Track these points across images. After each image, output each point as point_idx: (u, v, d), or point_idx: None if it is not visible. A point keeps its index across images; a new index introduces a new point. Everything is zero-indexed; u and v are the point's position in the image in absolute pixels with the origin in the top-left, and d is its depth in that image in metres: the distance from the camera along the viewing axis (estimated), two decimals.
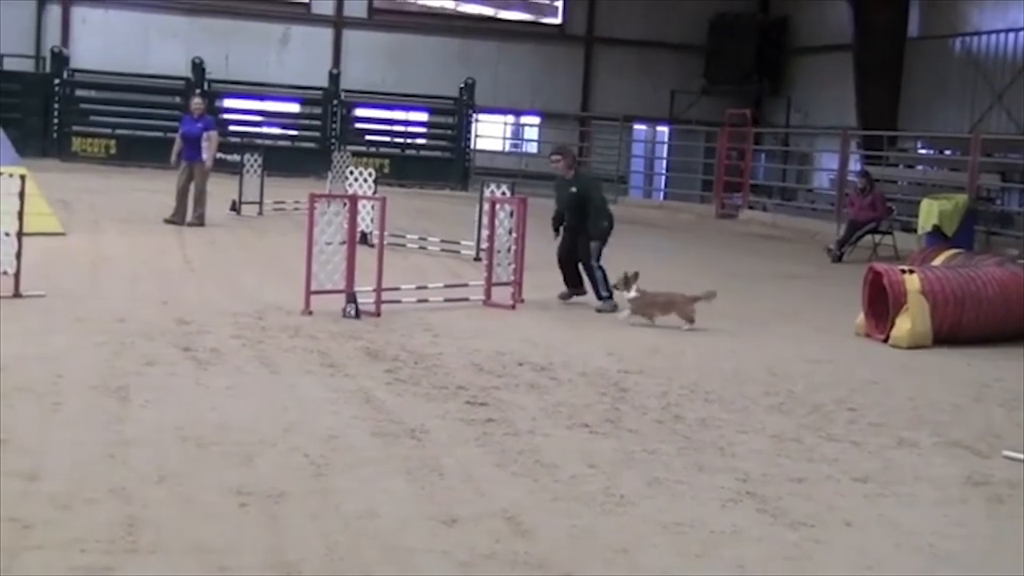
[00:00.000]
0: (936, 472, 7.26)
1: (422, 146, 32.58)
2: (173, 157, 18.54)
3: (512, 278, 12.95)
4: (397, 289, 12.25)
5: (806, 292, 16.03)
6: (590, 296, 13.04)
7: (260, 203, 20.45)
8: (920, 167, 27.23)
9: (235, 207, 20.16)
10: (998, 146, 24.45)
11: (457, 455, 6.87)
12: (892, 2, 27.68)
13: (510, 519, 5.82)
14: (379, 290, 11.58)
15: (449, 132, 32.12)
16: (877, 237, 20.32)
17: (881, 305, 12.01)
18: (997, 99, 26.15)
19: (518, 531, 5.68)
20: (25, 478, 5.93)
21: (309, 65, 32.20)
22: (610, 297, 12.70)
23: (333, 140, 30.52)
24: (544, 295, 13.24)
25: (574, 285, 13.29)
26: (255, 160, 20.62)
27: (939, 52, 27.95)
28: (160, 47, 31.92)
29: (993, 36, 26.69)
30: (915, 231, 20.07)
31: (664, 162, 35.31)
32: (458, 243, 16.91)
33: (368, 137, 31.88)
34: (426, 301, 12.41)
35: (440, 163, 31.48)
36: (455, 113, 31.75)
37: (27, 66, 30.84)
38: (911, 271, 12.05)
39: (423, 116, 32.89)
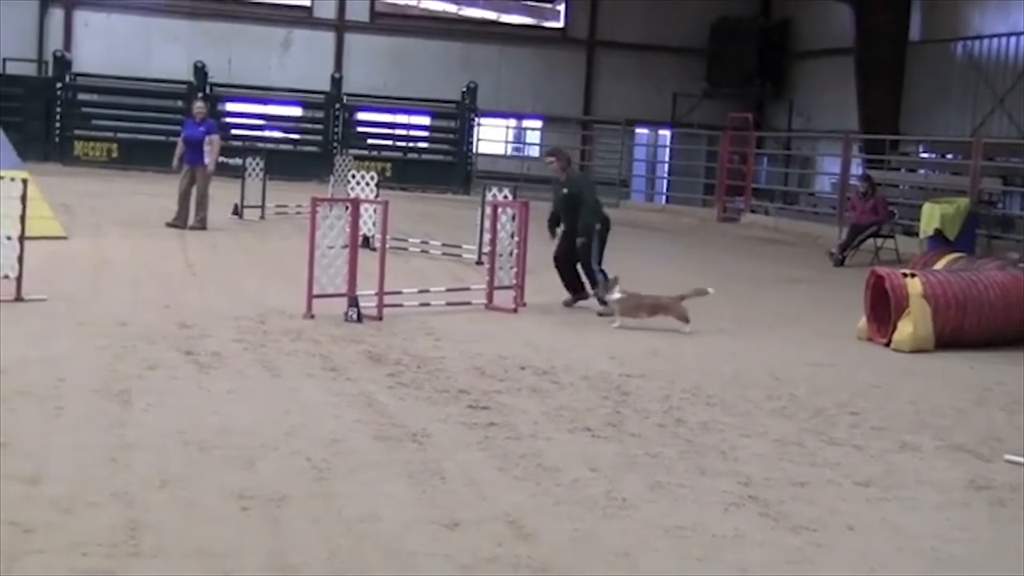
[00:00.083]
0: (938, 476, 7.25)
1: (424, 150, 32.58)
2: (175, 161, 18.57)
3: (514, 282, 12.95)
4: (399, 293, 12.25)
5: (808, 296, 16.03)
6: (593, 300, 13.03)
7: (262, 207, 20.46)
8: (922, 171, 27.22)
9: (237, 211, 20.17)
10: (1000, 150, 24.44)
11: (459, 459, 6.87)
12: (894, 5, 27.68)
13: (512, 523, 5.81)
14: (381, 294, 11.58)
15: (451, 136, 32.13)
16: (879, 241, 20.31)
17: (883, 309, 12.01)
18: (999, 103, 26.15)
19: (520, 535, 5.67)
20: (27, 482, 5.92)
21: (311, 69, 32.23)
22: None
23: (335, 144, 30.52)
24: (546, 299, 13.24)
25: (574, 289, 13.29)
26: (257, 164, 20.64)
27: (941, 56, 27.96)
28: (162, 51, 31.95)
29: (995, 40, 26.70)
30: (917, 235, 20.06)
31: (666, 166, 35.35)
32: (460, 247, 16.92)
33: (370, 141, 31.89)
34: (428, 305, 12.41)
35: (442, 167, 31.49)
36: (457, 117, 31.75)
37: (29, 70, 30.89)
38: (913, 275, 12.05)
39: (425, 120, 32.89)
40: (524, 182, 26.91)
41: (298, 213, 20.07)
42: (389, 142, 32.21)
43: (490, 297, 12.75)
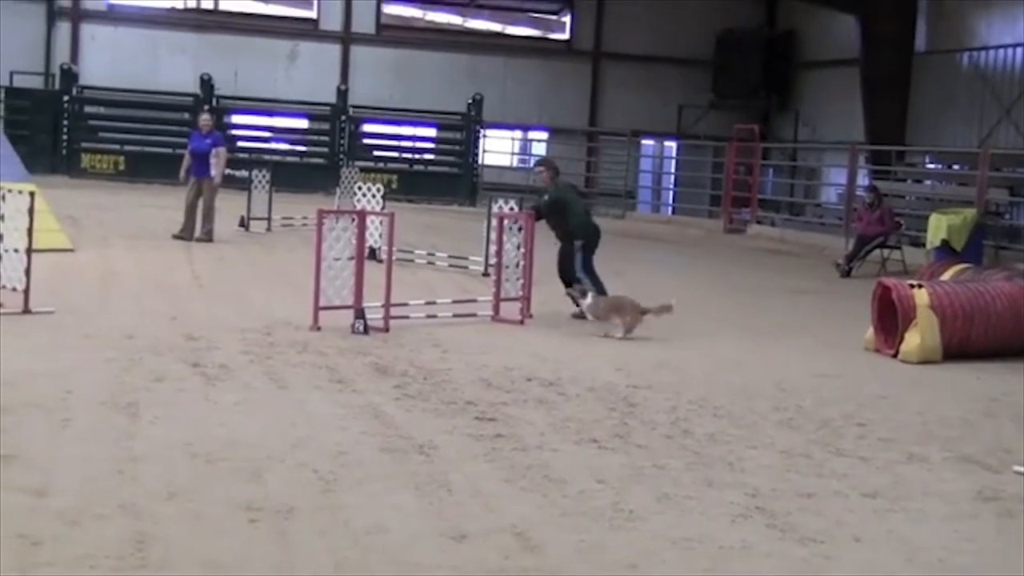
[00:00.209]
0: (946, 487, 7.24)
1: (430, 162, 32.60)
2: (182, 173, 18.62)
3: (520, 293, 12.95)
4: (405, 304, 12.26)
5: (814, 307, 16.01)
6: (571, 302, 13.09)
7: (268, 219, 20.49)
8: (928, 182, 27.23)
9: (243, 223, 20.19)
10: (1006, 160, 24.44)
11: (466, 470, 6.86)
12: (899, 16, 27.69)
13: (519, 534, 5.81)
14: (387, 305, 11.59)
15: (457, 148, 32.15)
16: (886, 252, 20.30)
17: (890, 320, 11.99)
18: (1005, 113, 26.15)
19: (527, 546, 5.67)
20: (34, 494, 5.93)
21: (317, 81, 32.27)
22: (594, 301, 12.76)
23: (341, 156, 30.55)
24: (553, 310, 13.24)
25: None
26: (263, 176, 20.66)
27: (947, 66, 27.97)
28: (169, 64, 32.01)
29: (1001, 51, 26.71)
30: (924, 246, 20.04)
31: (672, 177, 35.35)
32: (466, 258, 16.92)
33: (376, 153, 31.90)
34: (435, 316, 12.42)
35: (448, 178, 31.52)
36: (463, 129, 31.78)
37: (36, 83, 30.94)
38: (920, 286, 12.04)
39: (431, 132, 32.90)
40: (530, 193, 26.92)
41: (304, 225, 20.09)
42: (395, 154, 32.22)
43: (497, 309, 12.75)
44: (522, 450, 7.39)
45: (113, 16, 32.34)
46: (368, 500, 6.22)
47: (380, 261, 14.10)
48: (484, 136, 31.92)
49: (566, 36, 35.27)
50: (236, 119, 31.56)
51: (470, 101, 31.30)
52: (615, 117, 34.06)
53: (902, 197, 25.59)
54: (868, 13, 27.74)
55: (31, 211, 11.14)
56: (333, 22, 33.52)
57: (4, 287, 11.27)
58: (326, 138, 31.53)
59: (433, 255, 17.40)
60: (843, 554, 5.89)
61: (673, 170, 35.52)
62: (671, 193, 34.64)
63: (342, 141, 31.08)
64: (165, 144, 29.38)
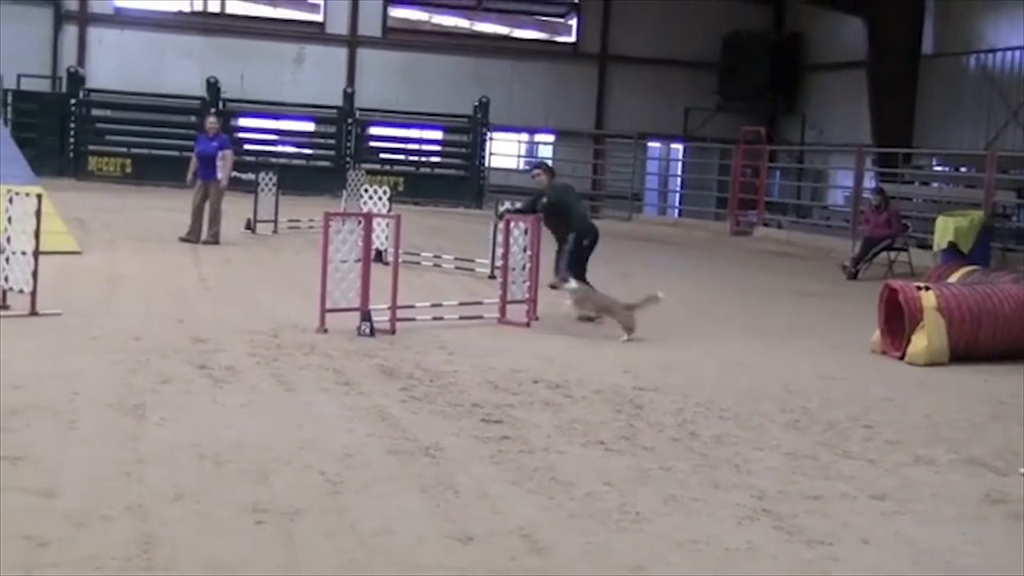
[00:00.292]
0: (953, 490, 7.23)
1: (437, 164, 32.62)
2: (189, 176, 18.64)
3: (527, 296, 12.95)
4: (412, 307, 12.27)
5: (821, 309, 16.00)
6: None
7: (275, 221, 20.50)
8: (935, 184, 27.19)
9: (250, 225, 20.20)
10: (1014, 163, 24.41)
11: (472, 472, 6.86)
12: (906, 19, 27.67)
13: (525, 536, 5.81)
14: (394, 308, 11.59)
15: (463, 150, 32.16)
16: (892, 254, 20.28)
17: (897, 322, 11.98)
18: (1012, 116, 26.11)
19: (533, 548, 5.67)
20: (41, 495, 5.94)
21: (324, 84, 32.30)
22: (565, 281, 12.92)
23: (348, 158, 30.57)
24: (559, 313, 13.22)
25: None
26: (270, 178, 20.68)
27: (954, 69, 27.94)
28: (175, 67, 32.05)
29: (1008, 53, 26.67)
30: (931, 248, 20.02)
31: (678, 179, 35.34)
32: (473, 261, 16.93)
33: (382, 155, 31.91)
34: (441, 319, 12.42)
35: (455, 181, 31.53)
36: (469, 131, 31.79)
37: (44, 86, 31.00)
38: (927, 288, 12.03)
39: (437, 134, 32.93)
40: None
41: (311, 228, 20.10)
42: (401, 156, 32.23)
43: (503, 311, 12.75)
44: (529, 452, 7.39)
45: (120, 19, 32.41)
46: (375, 502, 6.22)
47: (386, 263, 14.13)
48: (491, 139, 31.92)
49: (573, 39, 35.26)
50: (243, 122, 31.63)
51: (476, 104, 31.31)
52: (621, 120, 34.05)
53: (909, 199, 25.56)
54: (875, 16, 27.74)
55: (38, 214, 11.15)
56: (339, 25, 33.55)
57: (11, 289, 11.29)
58: (332, 141, 31.55)
59: (439, 257, 17.40)
60: (850, 556, 5.88)
61: (679, 172, 35.50)
62: (677, 195, 34.64)
63: (348, 144, 31.11)
64: (172, 147, 29.44)
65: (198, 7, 33.15)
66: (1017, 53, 26.38)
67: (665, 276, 18.84)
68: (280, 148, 31.98)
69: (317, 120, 32.26)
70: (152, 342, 10.18)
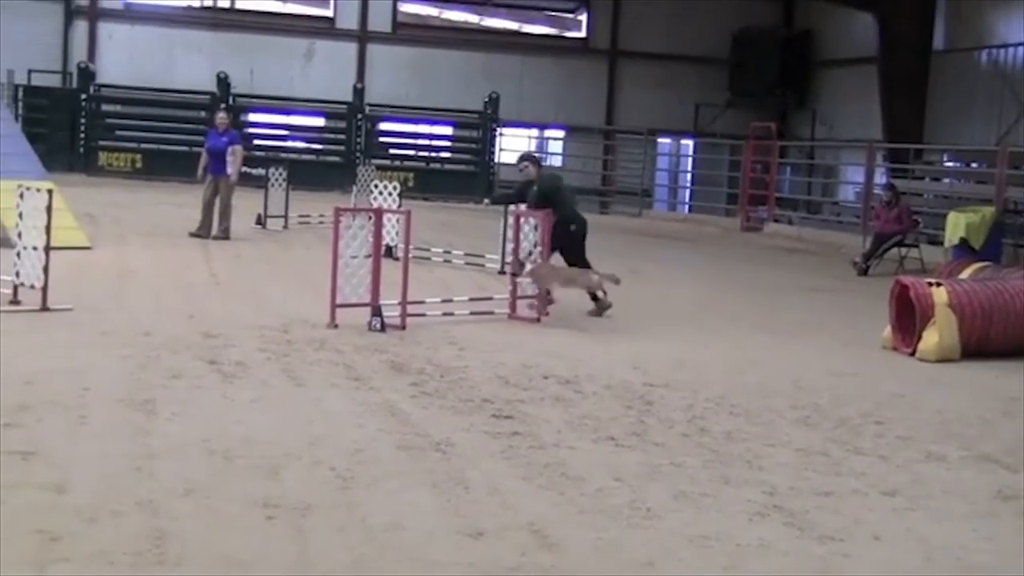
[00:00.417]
0: (965, 486, 7.21)
1: (447, 160, 32.61)
2: (199, 171, 18.65)
3: (537, 291, 12.93)
4: (422, 302, 12.26)
5: (832, 305, 15.96)
6: (587, 300, 13.12)
7: (285, 217, 20.51)
8: (946, 180, 27.11)
9: (260, 221, 20.22)
10: None
11: (482, 468, 6.86)
12: (917, 15, 27.60)
13: (536, 532, 5.81)
14: (404, 303, 11.59)
15: (473, 146, 32.16)
16: (903, 250, 20.24)
17: (908, 318, 11.95)
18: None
19: (544, 544, 5.66)
20: (53, 491, 5.95)
21: (334, 79, 32.30)
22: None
23: (358, 154, 30.57)
24: (569, 309, 13.22)
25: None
26: (280, 174, 20.69)
27: (965, 65, 27.86)
28: (185, 62, 32.08)
29: (1020, 48, 26.59)
30: (942, 244, 19.97)
31: (689, 175, 35.31)
32: (483, 256, 16.92)
33: (392, 151, 31.91)
34: (451, 314, 12.41)
35: (465, 177, 31.50)
36: (479, 127, 31.79)
37: (54, 81, 31.04)
38: (938, 284, 11.99)
39: (447, 130, 32.92)
40: None
41: (321, 223, 20.12)
42: (411, 152, 32.24)
43: (513, 306, 12.74)
44: (539, 448, 7.38)
45: (130, 15, 32.44)
46: (385, 497, 6.22)
47: (397, 259, 14.12)
48: (500, 134, 31.92)
49: (583, 34, 35.23)
50: (253, 117, 31.63)
51: (486, 99, 31.30)
52: (632, 115, 34.02)
53: (920, 195, 25.49)
54: (886, 11, 27.66)
55: (49, 209, 11.17)
56: (349, 20, 33.54)
57: (22, 284, 11.32)
58: (342, 136, 31.56)
59: (449, 253, 17.40)
60: (862, 552, 5.87)
61: (690, 168, 35.46)
62: (688, 191, 34.62)
63: (358, 139, 31.11)
64: (182, 142, 29.48)
65: (208, 2, 33.16)
66: None
67: (675, 272, 18.84)
68: (290, 143, 31.97)
69: (327, 115, 32.27)
70: (162, 337, 10.19)
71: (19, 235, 11.42)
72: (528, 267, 12.62)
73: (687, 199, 34.27)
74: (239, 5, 33.45)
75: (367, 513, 5.94)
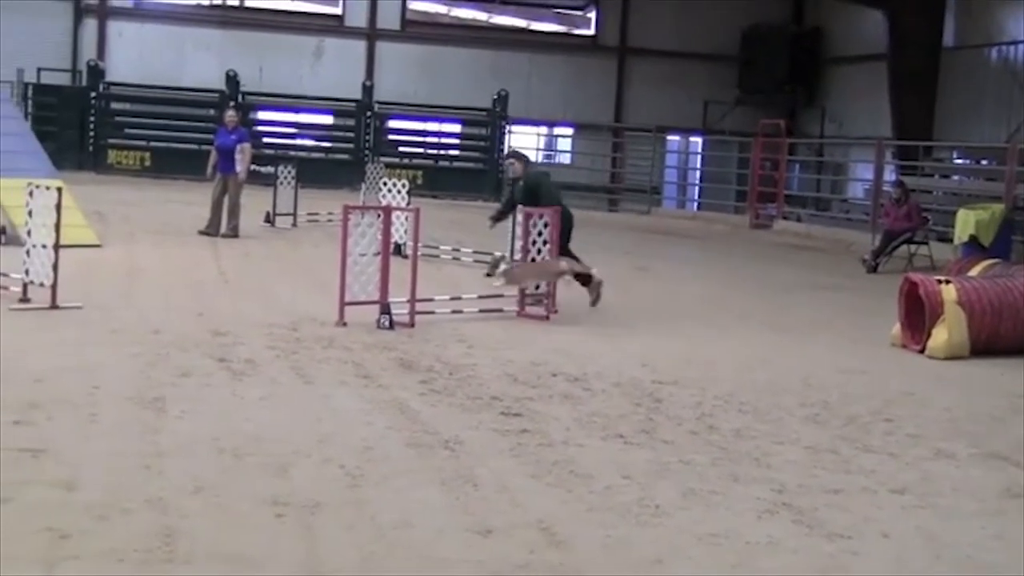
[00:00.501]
0: (974, 484, 7.20)
1: (455, 157, 32.63)
2: (209, 169, 18.68)
3: (546, 289, 12.93)
4: (431, 300, 12.27)
5: (841, 302, 15.94)
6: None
7: (294, 215, 20.53)
8: (956, 177, 27.06)
9: (269, 219, 20.24)
10: None
11: (491, 466, 6.86)
12: (927, 11, 27.53)
13: (544, 530, 5.81)
14: (413, 301, 11.60)
15: (482, 143, 32.17)
16: (913, 247, 20.21)
17: (917, 316, 11.94)
18: None
19: (552, 542, 5.67)
20: (63, 488, 5.96)
21: (342, 77, 32.33)
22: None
23: (366, 152, 30.60)
24: (578, 306, 13.22)
25: (582, 281, 13.37)
26: (289, 172, 20.70)
27: (975, 62, 27.80)
28: (194, 60, 32.13)
29: None
30: (951, 241, 19.93)
31: (698, 172, 35.27)
32: (491, 254, 16.88)
33: (401, 149, 31.92)
34: (460, 312, 12.42)
35: (473, 174, 31.52)
36: (488, 124, 31.80)
37: (64, 80, 31.10)
38: (948, 281, 11.98)
39: (456, 128, 32.94)
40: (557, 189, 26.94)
41: (330, 221, 20.13)
42: (420, 150, 32.25)
43: (522, 304, 12.74)
44: (548, 445, 7.39)
45: (139, 13, 32.50)
46: (394, 495, 6.22)
47: (405, 257, 14.13)
48: (509, 132, 31.92)
49: (591, 32, 35.21)
50: (262, 115, 31.70)
51: (495, 97, 31.32)
52: (640, 113, 33.99)
53: (929, 192, 25.45)
54: (896, 8, 27.59)
55: (58, 207, 11.20)
56: (358, 18, 33.56)
57: (32, 282, 11.34)
58: (351, 134, 31.59)
59: (458, 250, 17.40)
60: (870, 550, 5.86)
61: (699, 166, 35.43)
62: (696, 189, 34.59)
63: (367, 137, 31.13)
64: (191, 140, 29.53)
65: (217, 0, 33.20)
66: None
67: (684, 270, 18.83)
68: (299, 141, 32.03)
69: (336, 113, 32.29)
70: (172, 335, 10.21)
71: (29, 233, 11.45)
72: (502, 268, 12.60)
73: (696, 196, 34.25)
74: (248, 3, 33.49)
75: (376, 511, 5.95)
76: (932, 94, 27.67)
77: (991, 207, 19.67)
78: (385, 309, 11.34)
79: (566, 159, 35.06)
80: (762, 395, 9.31)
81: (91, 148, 30.09)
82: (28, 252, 11.39)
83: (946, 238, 20.84)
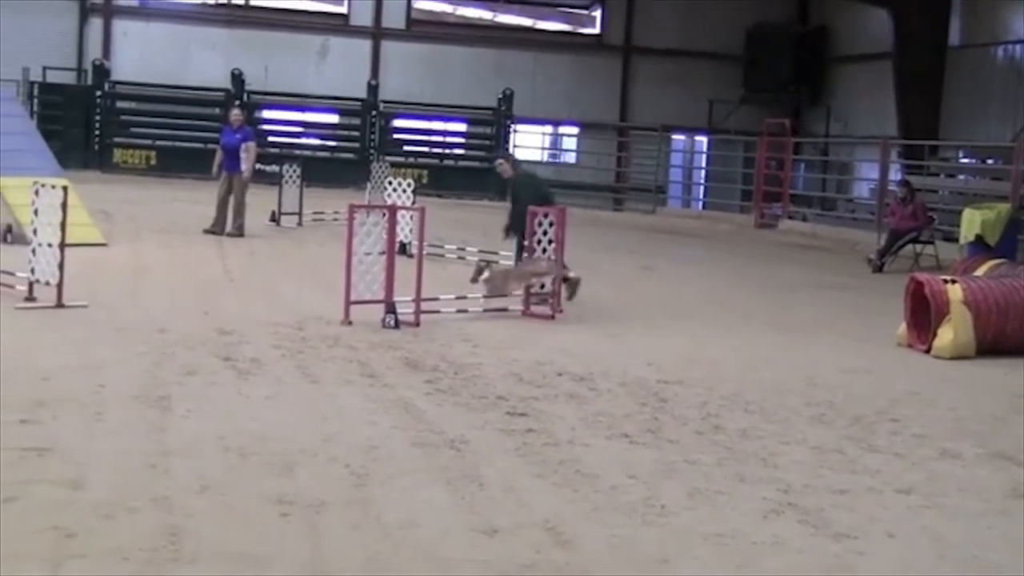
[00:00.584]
0: (980, 484, 7.19)
1: (460, 156, 32.61)
2: (215, 168, 18.69)
3: (551, 288, 12.93)
4: (436, 299, 12.27)
5: (846, 302, 15.93)
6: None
7: (299, 214, 20.53)
8: (962, 176, 27.02)
9: (274, 218, 20.25)
10: None
11: (497, 465, 6.86)
12: (932, 11, 27.49)
13: (550, 529, 5.81)
14: (418, 300, 11.60)
15: (487, 142, 32.13)
16: (918, 247, 20.18)
17: (923, 315, 11.92)
18: None
19: (558, 541, 5.67)
20: (69, 487, 5.97)
21: (348, 76, 32.32)
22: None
23: (372, 151, 30.59)
24: (583, 305, 13.22)
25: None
26: (294, 171, 20.70)
27: (981, 60, 27.75)
28: (200, 59, 32.12)
29: None
30: (957, 241, 19.90)
31: (703, 172, 35.24)
32: (497, 253, 16.90)
33: (406, 148, 31.91)
34: (465, 311, 12.42)
35: (478, 173, 31.46)
36: (493, 123, 31.78)
37: (69, 79, 31.10)
38: (953, 281, 11.96)
39: (461, 127, 32.91)
40: (561, 188, 26.96)
41: (335, 220, 20.13)
42: (425, 149, 32.24)
43: (527, 304, 12.74)
44: (553, 445, 7.39)
45: (145, 12, 32.49)
46: (400, 494, 6.23)
47: (411, 256, 14.14)
48: (514, 131, 31.90)
49: (596, 31, 35.16)
50: (267, 114, 31.66)
51: (500, 96, 31.29)
52: (645, 112, 33.96)
53: (935, 192, 25.41)
54: (901, 7, 27.57)
55: (64, 206, 11.21)
56: (364, 17, 33.54)
57: (38, 281, 11.35)
58: (356, 133, 31.57)
59: (463, 249, 17.40)
60: (876, 550, 5.86)
61: (704, 165, 35.40)
62: (702, 188, 34.55)
63: (372, 136, 31.13)
64: (196, 139, 29.51)
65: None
66: None
67: (689, 269, 18.81)
68: (304, 140, 32.01)
69: (341, 112, 32.27)
70: (177, 334, 10.21)
71: (34, 232, 11.46)
72: (485, 275, 12.59)
73: (701, 196, 34.21)
74: (254, 2, 33.45)
75: (382, 510, 5.95)
76: (937, 93, 27.63)
77: (997, 206, 19.64)
78: (390, 308, 11.34)
79: (571, 158, 35.04)
80: (768, 395, 9.31)
81: (96, 147, 30.09)
82: (34, 251, 11.40)
83: (952, 238, 20.81)
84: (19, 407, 7.40)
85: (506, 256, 16.51)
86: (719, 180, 33.41)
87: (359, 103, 31.21)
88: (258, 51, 32.24)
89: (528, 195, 13.68)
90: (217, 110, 29.48)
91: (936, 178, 26.40)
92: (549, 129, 35.05)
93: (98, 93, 30.23)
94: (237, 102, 26.72)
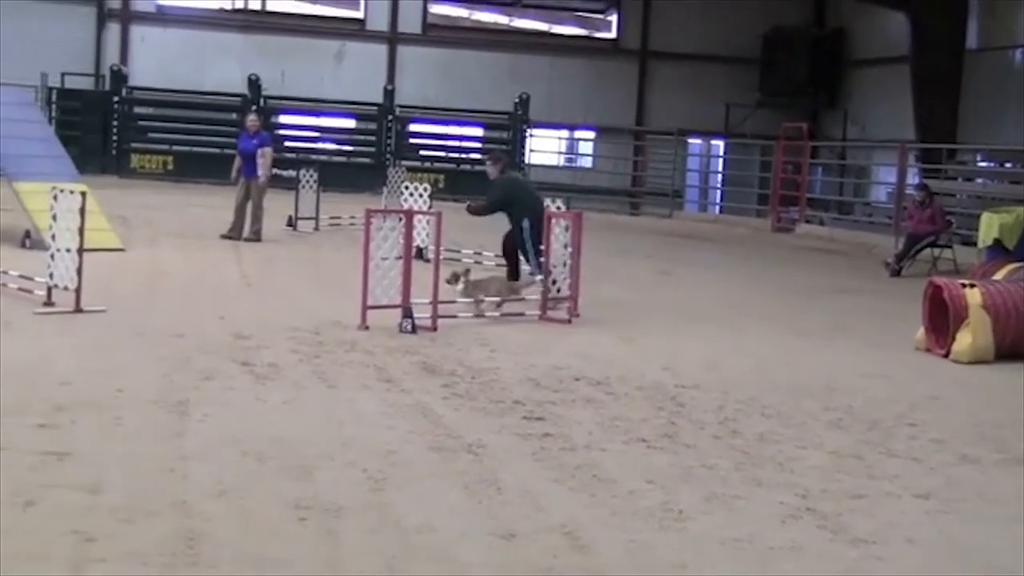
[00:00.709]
0: (998, 489, 7.17)
1: (477, 161, 32.58)
2: (233, 173, 18.73)
3: (568, 293, 12.94)
4: (453, 303, 12.28)
5: (864, 306, 15.89)
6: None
7: (316, 219, 20.56)
8: (980, 180, 26.92)
9: (291, 223, 20.28)
10: None
11: (514, 470, 6.86)
12: (950, 13, 27.41)
13: (568, 534, 5.81)
14: (435, 304, 11.61)
15: (503, 147, 32.13)
16: (936, 251, 20.12)
17: (941, 319, 11.89)
18: None
19: (576, 546, 5.66)
20: (88, 491, 5.99)
21: (364, 81, 32.36)
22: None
23: (388, 155, 30.64)
24: (600, 310, 13.21)
25: (510, 274, 14.15)
26: (311, 176, 20.73)
27: (999, 64, 27.67)
28: (216, 64, 32.22)
29: None
30: (975, 245, 19.84)
31: (719, 176, 35.21)
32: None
33: (423, 152, 31.97)
34: (482, 316, 12.42)
35: None
36: (509, 128, 31.80)
37: (87, 84, 31.23)
38: (972, 285, 11.92)
39: (477, 131, 32.94)
40: (577, 193, 26.97)
41: (352, 225, 20.16)
42: (442, 153, 32.28)
43: (544, 308, 12.74)
44: (570, 449, 7.38)
45: (162, 17, 32.61)
46: (417, 499, 6.23)
47: (427, 260, 14.15)
48: (530, 135, 31.91)
49: (613, 35, 35.19)
50: (283, 119, 31.73)
51: (516, 100, 31.31)
52: (662, 116, 33.95)
53: (953, 196, 25.32)
54: (918, 10, 27.48)
55: (82, 211, 11.25)
56: (380, 22, 33.61)
57: (56, 286, 11.39)
58: (373, 138, 31.62)
59: (480, 254, 17.41)
60: (895, 556, 5.84)
61: (720, 169, 35.37)
62: (718, 192, 34.52)
63: (389, 141, 31.17)
64: (213, 144, 29.61)
65: (239, 5, 33.29)
66: None
67: (706, 273, 18.79)
68: (321, 145, 32.09)
69: (358, 117, 32.33)
70: (195, 339, 10.24)
71: (53, 237, 11.50)
72: (461, 283, 12.59)
73: (718, 200, 34.15)
74: (270, 7, 33.58)
75: (399, 515, 5.95)
76: (955, 96, 27.54)
77: (1015, 210, 19.56)
78: (407, 313, 11.35)
79: (588, 163, 35.04)
80: (785, 399, 9.29)
81: (114, 152, 30.21)
82: (52, 256, 11.44)
83: (970, 241, 20.75)
84: (38, 412, 7.43)
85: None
86: (736, 184, 33.38)
87: (375, 108, 31.26)
88: (275, 56, 32.31)
89: (524, 193, 14.01)
90: (234, 115, 29.55)
91: (954, 182, 26.31)
92: (565, 133, 35.08)
93: (116, 99, 30.37)
94: (254, 107, 26.74)
